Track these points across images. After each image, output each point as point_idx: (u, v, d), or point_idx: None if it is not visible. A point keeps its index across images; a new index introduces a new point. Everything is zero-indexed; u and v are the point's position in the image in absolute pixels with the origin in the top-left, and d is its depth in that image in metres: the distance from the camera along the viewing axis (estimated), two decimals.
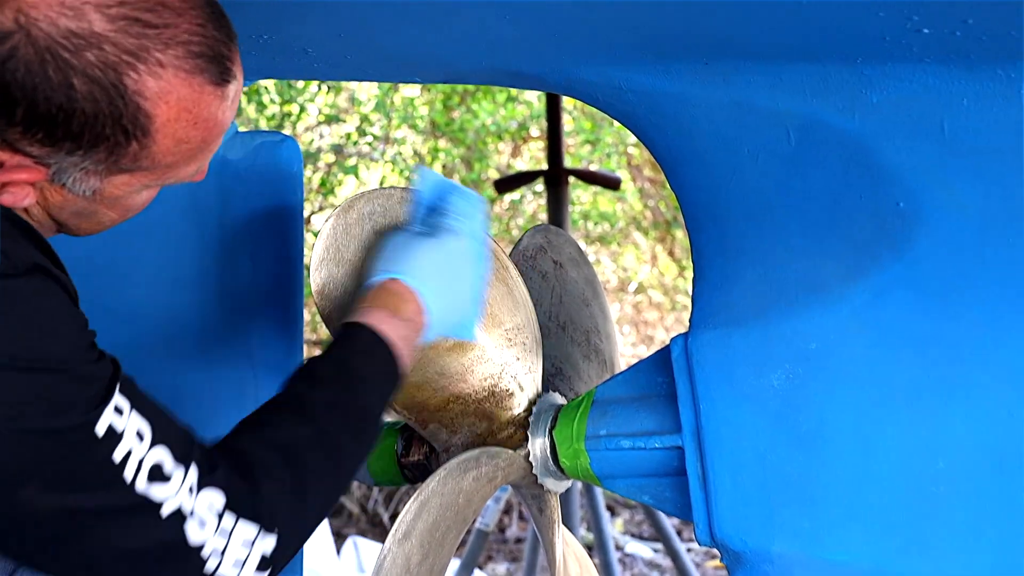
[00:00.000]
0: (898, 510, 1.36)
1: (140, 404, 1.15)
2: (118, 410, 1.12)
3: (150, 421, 1.14)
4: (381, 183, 6.33)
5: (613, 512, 5.35)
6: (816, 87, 1.34)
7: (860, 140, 1.35)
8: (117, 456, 1.11)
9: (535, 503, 1.64)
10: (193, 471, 1.15)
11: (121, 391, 1.13)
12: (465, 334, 1.48)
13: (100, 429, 1.10)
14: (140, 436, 1.13)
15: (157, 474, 1.13)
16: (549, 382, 1.69)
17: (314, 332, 5.69)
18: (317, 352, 1.58)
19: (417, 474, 1.68)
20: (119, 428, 1.11)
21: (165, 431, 1.15)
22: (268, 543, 1.19)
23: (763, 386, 1.41)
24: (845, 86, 1.33)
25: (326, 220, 1.54)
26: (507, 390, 1.58)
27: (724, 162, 1.43)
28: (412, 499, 1.39)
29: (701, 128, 1.43)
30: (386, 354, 1.33)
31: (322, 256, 1.53)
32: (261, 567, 1.19)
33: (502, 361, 1.57)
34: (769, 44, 1.32)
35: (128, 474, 1.11)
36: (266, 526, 1.19)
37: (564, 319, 1.78)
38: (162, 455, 1.14)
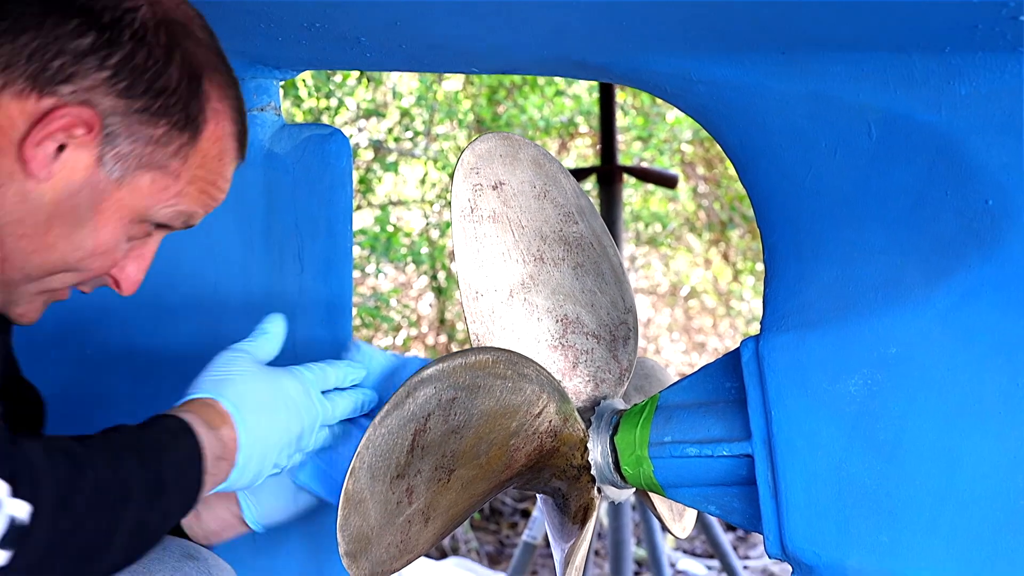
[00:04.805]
0: (983, 525, 1.30)
1: None
2: None
3: None
4: (422, 181, 6.28)
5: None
6: (900, 78, 1.28)
7: (947, 134, 1.28)
8: None
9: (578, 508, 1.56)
10: None
11: None
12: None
13: None
14: None
15: None
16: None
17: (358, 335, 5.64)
18: None
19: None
20: None
21: None
22: (20, 508, 1.05)
23: (839, 392, 1.35)
24: (931, 77, 1.27)
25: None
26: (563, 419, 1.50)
27: (800, 157, 1.38)
28: None
29: (776, 122, 1.37)
30: (198, 468, 1.26)
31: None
32: (8, 538, 1.04)
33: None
34: (851, 33, 1.26)
35: None
36: (22, 492, 1.04)
37: None
38: None
